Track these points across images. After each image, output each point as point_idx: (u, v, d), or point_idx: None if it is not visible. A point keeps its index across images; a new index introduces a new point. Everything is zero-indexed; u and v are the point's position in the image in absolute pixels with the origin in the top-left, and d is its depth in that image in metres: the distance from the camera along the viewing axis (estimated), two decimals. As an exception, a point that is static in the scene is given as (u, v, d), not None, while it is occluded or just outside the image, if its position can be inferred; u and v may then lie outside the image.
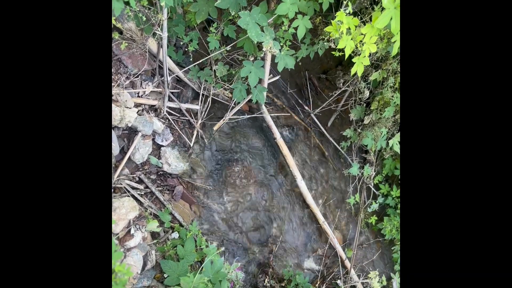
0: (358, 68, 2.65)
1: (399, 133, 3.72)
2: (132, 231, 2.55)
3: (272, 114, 3.56)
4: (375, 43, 2.55)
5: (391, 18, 2.29)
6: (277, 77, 3.54)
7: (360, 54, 2.61)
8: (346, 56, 2.55)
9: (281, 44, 2.77)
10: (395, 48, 2.50)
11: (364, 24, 2.50)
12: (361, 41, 2.53)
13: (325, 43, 2.86)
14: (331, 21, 2.49)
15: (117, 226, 2.47)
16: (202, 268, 2.54)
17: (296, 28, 2.66)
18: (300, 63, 3.44)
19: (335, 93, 3.81)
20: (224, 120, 3.30)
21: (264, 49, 2.64)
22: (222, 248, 3.03)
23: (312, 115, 3.94)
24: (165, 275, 2.65)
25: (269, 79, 3.34)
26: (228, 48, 2.89)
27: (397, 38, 2.46)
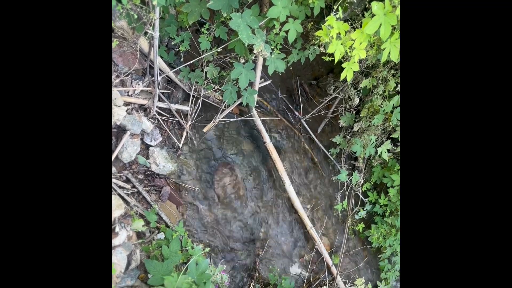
0: (347, 73, 2.68)
1: (388, 141, 3.75)
2: (117, 229, 2.52)
3: (262, 118, 3.57)
4: (365, 49, 2.58)
5: (381, 24, 2.32)
6: (268, 82, 3.55)
7: (350, 59, 2.64)
8: (336, 60, 2.57)
9: (272, 47, 2.79)
10: (385, 55, 2.53)
11: (355, 30, 2.53)
12: (351, 46, 2.56)
13: (315, 48, 2.89)
14: (322, 25, 2.52)
15: (102, 224, 2.45)
16: (186, 268, 2.52)
17: (287, 32, 2.69)
18: (291, 69, 3.47)
19: (325, 100, 3.84)
20: (214, 122, 3.31)
21: (255, 51, 2.67)
22: (208, 249, 3.01)
23: (302, 120, 3.96)
24: (149, 275, 2.63)
25: (260, 83, 3.36)
26: (219, 49, 2.91)
27: (386, 45, 2.50)
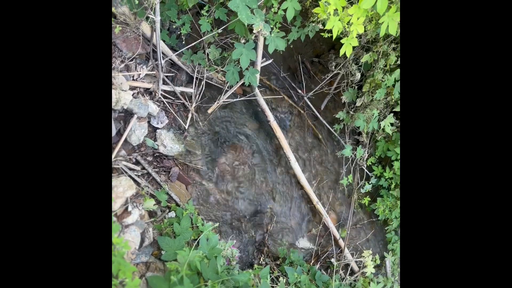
0: (346, 48, 2.72)
1: (390, 114, 3.80)
2: (129, 209, 2.64)
3: (265, 97, 3.64)
4: (363, 24, 2.61)
5: (377, -1, 2.35)
6: (270, 61, 3.60)
7: (348, 35, 2.68)
8: (334, 37, 2.61)
9: (272, 26, 2.84)
10: (383, 29, 2.56)
11: (352, 5, 2.57)
12: (348, 22, 2.60)
13: (315, 25, 2.92)
14: (319, 2, 2.55)
15: (115, 204, 2.56)
16: (197, 243, 2.63)
17: (285, 10, 2.72)
18: (292, 47, 3.50)
19: (327, 76, 3.88)
20: (218, 103, 3.38)
21: (255, 31, 2.72)
22: (217, 224, 3.12)
23: (305, 98, 4.02)
24: (163, 251, 2.75)
25: (262, 62, 3.41)
26: (220, 30, 2.96)
27: (384, 19, 2.53)
